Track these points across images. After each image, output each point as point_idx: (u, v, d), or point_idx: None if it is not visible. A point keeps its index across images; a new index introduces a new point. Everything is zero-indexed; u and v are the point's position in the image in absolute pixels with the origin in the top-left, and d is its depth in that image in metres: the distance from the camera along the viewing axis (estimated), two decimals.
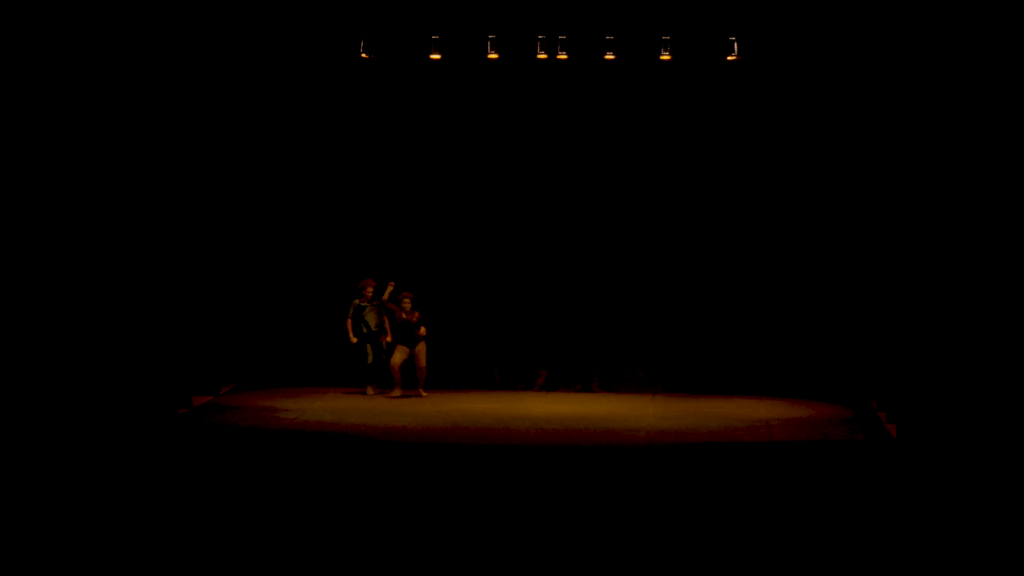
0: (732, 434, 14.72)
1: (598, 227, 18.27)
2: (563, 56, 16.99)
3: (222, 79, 16.90)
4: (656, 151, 18.15)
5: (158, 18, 15.29)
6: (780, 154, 17.89)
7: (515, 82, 17.98)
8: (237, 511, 10.57)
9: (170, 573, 8.93)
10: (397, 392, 17.24)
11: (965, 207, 14.07)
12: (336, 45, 17.17)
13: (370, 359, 17.50)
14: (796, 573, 9.11)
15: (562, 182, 18.29)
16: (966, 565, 9.24)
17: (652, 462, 13.18)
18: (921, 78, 14.73)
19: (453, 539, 9.75)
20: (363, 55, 17.18)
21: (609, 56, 16.87)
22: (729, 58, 16.89)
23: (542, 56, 16.92)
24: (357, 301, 17.48)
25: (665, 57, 16.87)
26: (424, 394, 17.29)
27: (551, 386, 18.19)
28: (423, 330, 17.21)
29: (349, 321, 17.47)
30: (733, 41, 16.78)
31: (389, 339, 17.44)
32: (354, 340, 17.46)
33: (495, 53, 16.91)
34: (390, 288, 17.53)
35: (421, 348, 17.31)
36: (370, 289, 17.50)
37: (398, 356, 17.28)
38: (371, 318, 17.47)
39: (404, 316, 17.23)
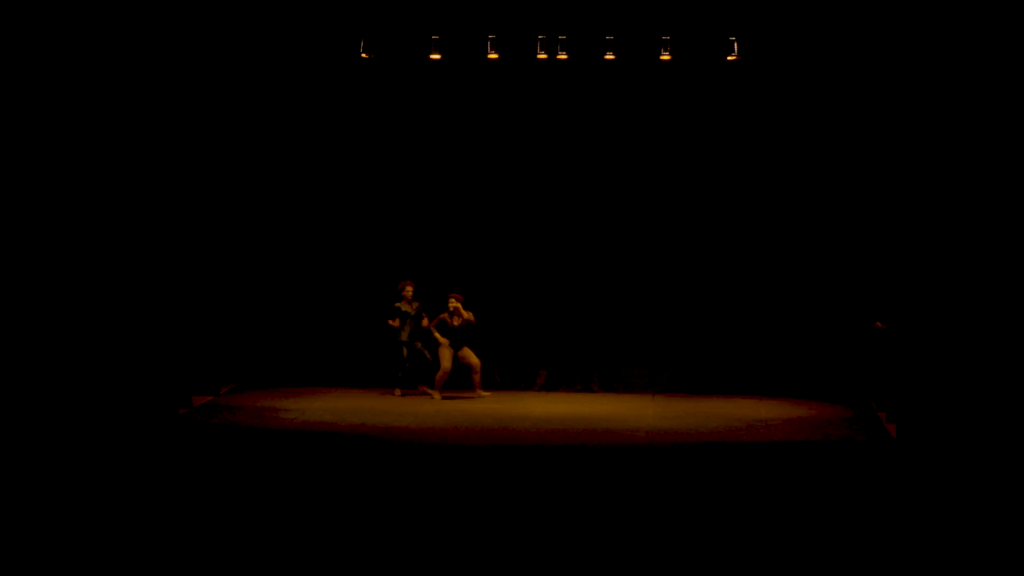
0: (732, 434, 14.72)
1: (598, 227, 18.28)
2: (563, 56, 16.99)
3: (222, 79, 16.91)
4: (656, 151, 18.16)
5: (158, 18, 15.29)
6: (780, 154, 17.90)
7: (515, 82, 17.99)
8: (237, 511, 10.57)
9: (170, 573, 8.93)
10: (438, 396, 17.22)
11: (965, 207, 14.07)
12: (336, 45, 17.18)
13: (406, 363, 17.43)
14: (796, 573, 9.11)
15: (562, 182, 18.30)
16: (966, 565, 9.24)
17: (652, 462, 13.18)
18: (921, 78, 14.73)
19: (453, 539, 9.75)
20: (363, 55, 17.18)
21: (609, 56, 16.88)
22: (729, 58, 16.90)
23: (542, 56, 16.93)
24: (398, 304, 17.40)
25: (665, 57, 16.87)
26: (484, 394, 17.29)
27: (551, 386, 18.20)
28: (458, 320, 17.09)
29: (395, 322, 17.37)
30: (733, 41, 16.78)
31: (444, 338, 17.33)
32: (394, 324, 17.36)
33: (495, 53, 16.92)
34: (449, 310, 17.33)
35: (467, 349, 17.26)
36: (409, 289, 17.40)
37: (447, 360, 17.23)
38: (410, 320, 17.41)
39: (453, 323, 17.17)
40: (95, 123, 14.84)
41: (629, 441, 14.31)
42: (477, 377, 17.43)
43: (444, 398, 17.18)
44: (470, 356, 17.37)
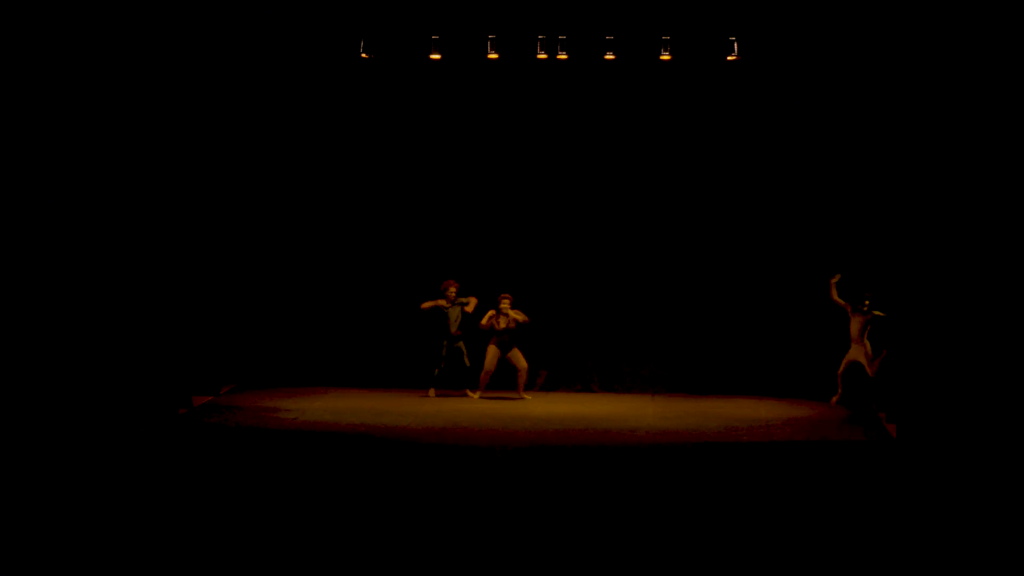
0: (732, 434, 14.72)
1: (598, 227, 18.28)
2: (563, 56, 17.00)
3: (222, 79, 16.90)
4: (656, 151, 18.16)
5: (158, 18, 15.29)
6: (780, 154, 17.90)
7: (515, 82, 17.99)
8: (237, 511, 10.56)
9: (170, 573, 8.93)
10: (476, 395, 17.19)
11: (964, 207, 14.07)
12: (336, 45, 17.18)
13: (442, 363, 17.36)
14: (796, 573, 9.11)
15: (562, 182, 18.30)
16: (966, 565, 9.24)
17: (652, 462, 13.18)
18: (921, 78, 14.73)
19: (453, 539, 9.75)
20: (363, 55, 17.18)
21: (609, 56, 16.87)
22: (729, 58, 16.90)
23: (542, 56, 16.93)
24: (440, 303, 17.38)
25: (665, 57, 16.87)
26: (527, 397, 17.22)
27: (551, 386, 18.20)
28: (506, 322, 17.05)
29: (431, 314, 17.32)
30: (733, 41, 16.78)
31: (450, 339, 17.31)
32: (456, 333, 17.30)
33: (495, 53, 16.91)
34: (489, 314, 17.24)
35: (516, 351, 17.19)
36: (452, 290, 17.35)
37: (492, 361, 17.20)
38: (453, 321, 17.36)
39: (501, 325, 17.12)
40: (95, 123, 14.84)
41: (629, 441, 14.31)
42: (521, 379, 17.33)
43: (482, 398, 17.15)
44: (518, 358, 17.30)
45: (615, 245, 18.23)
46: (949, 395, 13.85)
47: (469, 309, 17.32)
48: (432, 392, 17.37)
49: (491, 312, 17.19)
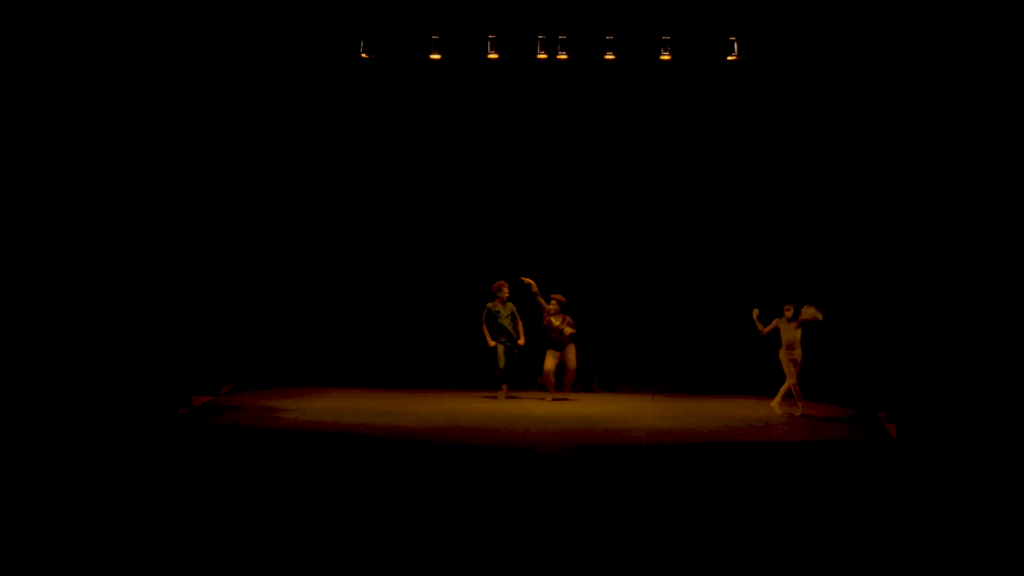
0: (732, 434, 14.72)
1: (598, 227, 18.28)
2: (563, 56, 17.00)
3: (223, 79, 16.90)
4: (656, 151, 18.16)
5: (158, 18, 15.29)
6: (780, 154, 17.90)
7: (515, 82, 17.99)
8: (237, 511, 10.57)
9: (170, 573, 8.93)
10: (550, 397, 17.15)
11: (964, 207, 14.07)
12: (336, 45, 17.18)
13: (501, 363, 17.31)
14: (796, 573, 9.11)
15: (562, 182, 18.30)
16: (966, 565, 9.24)
17: (652, 462, 13.18)
18: (921, 78, 14.74)
19: (453, 539, 9.75)
20: (363, 55, 17.18)
21: (609, 56, 16.88)
22: (729, 58, 16.90)
23: (542, 56, 16.93)
24: (490, 304, 17.35)
25: (665, 57, 16.88)
26: (570, 397, 17.13)
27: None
28: (567, 331, 17.01)
29: (484, 325, 17.31)
30: (733, 41, 16.79)
31: (522, 342, 17.25)
32: (492, 343, 17.24)
33: (495, 53, 16.92)
34: (549, 309, 17.17)
35: (571, 350, 17.15)
36: (505, 291, 17.33)
37: (549, 361, 17.14)
38: (505, 322, 17.30)
39: (555, 323, 17.06)
40: (95, 123, 14.84)
41: (629, 441, 14.31)
42: (569, 379, 17.26)
43: (554, 399, 17.14)
44: (570, 358, 17.25)
45: (615, 245, 18.23)
46: (949, 395, 13.85)
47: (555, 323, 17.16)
48: (504, 393, 17.30)
49: (548, 307, 17.13)
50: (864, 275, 17.08)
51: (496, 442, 14.07)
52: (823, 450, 13.79)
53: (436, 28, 16.90)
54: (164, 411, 15.36)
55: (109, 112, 14.96)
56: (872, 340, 16.81)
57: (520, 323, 17.33)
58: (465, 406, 16.67)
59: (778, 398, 16.25)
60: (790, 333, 16.09)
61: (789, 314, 16.04)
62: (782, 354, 16.17)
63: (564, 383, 17.31)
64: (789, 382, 16.12)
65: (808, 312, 16.01)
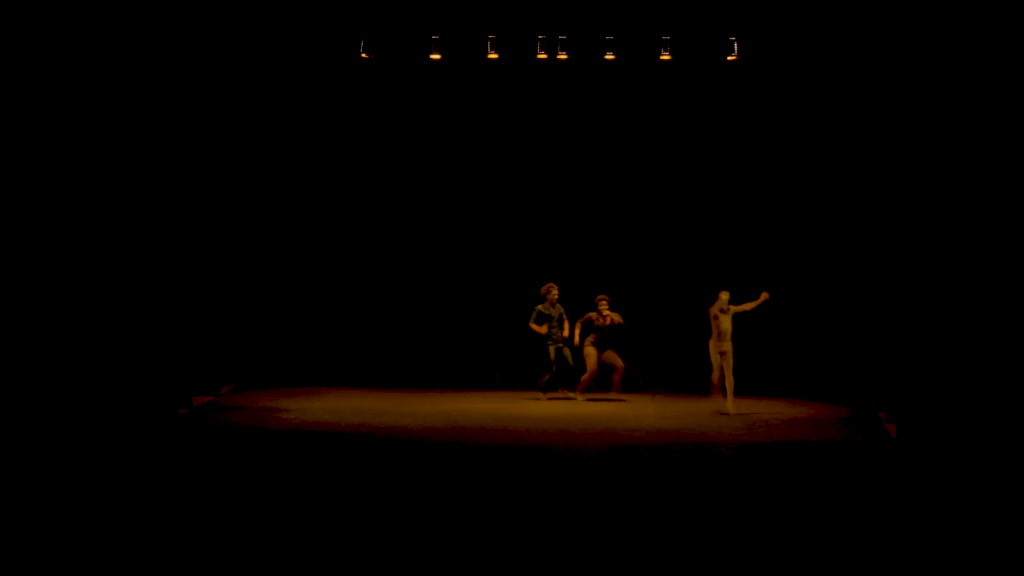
0: (732, 434, 14.72)
1: (598, 227, 18.28)
2: (563, 56, 17.00)
3: (223, 79, 16.90)
4: (656, 151, 18.17)
5: (158, 18, 15.29)
6: (780, 154, 17.91)
7: (515, 82, 17.99)
8: (237, 511, 10.56)
9: (170, 573, 8.93)
10: (582, 397, 17.11)
11: (964, 207, 14.07)
12: (336, 45, 17.18)
13: (554, 366, 17.32)
14: (796, 573, 9.11)
15: (562, 182, 18.31)
16: (966, 565, 9.24)
17: (652, 462, 13.18)
18: (921, 78, 14.74)
19: (453, 539, 9.75)
20: (363, 55, 17.18)
21: (609, 56, 16.88)
22: (729, 58, 16.90)
23: (542, 56, 16.94)
24: (540, 306, 17.32)
25: (665, 57, 16.88)
26: (623, 397, 17.09)
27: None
28: (608, 320, 16.97)
29: (533, 325, 17.26)
30: (733, 41, 16.79)
31: (577, 342, 17.22)
32: (540, 332, 17.22)
33: (495, 53, 16.92)
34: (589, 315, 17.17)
35: (611, 351, 17.11)
36: (555, 293, 17.29)
37: (593, 362, 17.13)
38: (555, 324, 17.26)
39: (602, 323, 17.05)
40: (95, 123, 14.84)
41: (629, 441, 14.31)
42: (617, 378, 17.26)
43: (587, 400, 17.12)
44: (615, 358, 17.23)
45: (615, 245, 18.23)
46: (949, 395, 13.85)
47: (601, 322, 17.10)
48: (546, 396, 17.30)
49: (591, 314, 17.12)
50: (864, 275, 17.08)
51: (496, 442, 14.06)
52: (823, 450, 13.79)
53: (436, 28, 16.90)
54: (164, 411, 15.36)
55: (109, 112, 14.96)
56: (872, 340, 16.80)
57: (568, 324, 17.31)
58: (465, 406, 16.66)
59: (730, 398, 16.27)
60: (725, 323, 16.16)
61: (725, 303, 16.11)
62: (712, 344, 16.22)
63: (614, 382, 17.24)
64: (716, 375, 16.33)
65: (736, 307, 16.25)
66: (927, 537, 9.93)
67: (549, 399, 17.23)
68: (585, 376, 17.19)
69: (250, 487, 11.54)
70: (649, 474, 12.62)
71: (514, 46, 16.95)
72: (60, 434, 13.66)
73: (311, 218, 18.35)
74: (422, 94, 18.15)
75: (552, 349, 17.30)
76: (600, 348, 17.17)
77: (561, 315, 17.32)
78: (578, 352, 17.28)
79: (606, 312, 17.06)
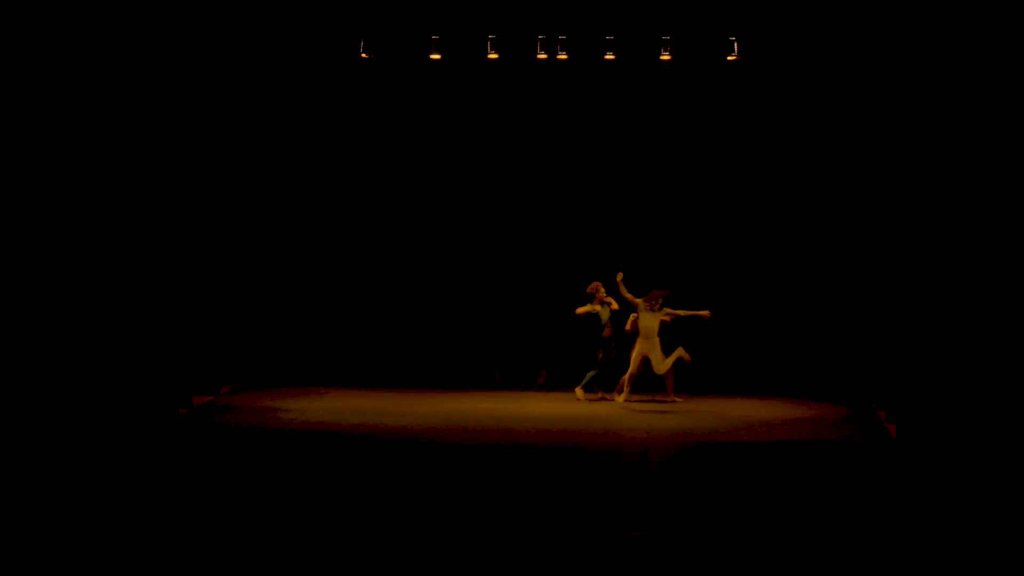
0: (732, 434, 14.72)
1: (598, 227, 18.28)
2: (563, 56, 17.00)
3: (222, 79, 16.90)
4: (656, 151, 18.16)
5: (158, 18, 15.29)
6: (780, 154, 17.91)
7: (515, 82, 18.00)
8: (237, 511, 10.56)
9: (170, 573, 8.93)
10: (621, 398, 17.01)
11: (964, 207, 14.07)
12: (336, 45, 17.18)
13: (604, 366, 17.26)
14: (796, 573, 9.11)
15: (562, 182, 18.31)
16: (966, 565, 9.24)
17: (652, 462, 13.18)
18: (921, 78, 14.73)
19: (453, 539, 9.75)
20: (363, 55, 17.18)
21: (609, 56, 16.88)
22: (729, 58, 16.90)
23: (542, 56, 16.94)
24: (590, 306, 17.31)
25: (665, 57, 16.88)
26: (677, 400, 16.95)
27: (551, 386, 18.19)
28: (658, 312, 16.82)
29: (583, 313, 17.19)
30: (733, 41, 16.79)
31: (613, 344, 17.21)
32: (608, 334, 17.18)
33: (495, 53, 16.92)
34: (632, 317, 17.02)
35: (660, 352, 17.00)
36: (602, 291, 17.21)
37: (636, 364, 17.00)
38: (606, 323, 17.19)
39: (663, 318, 16.95)
40: (95, 123, 14.83)
41: (629, 441, 14.31)
42: (670, 381, 17.03)
43: (627, 401, 17.04)
44: (660, 361, 17.13)
45: (615, 245, 18.23)
46: (949, 395, 13.84)
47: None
48: (599, 394, 17.25)
49: (633, 316, 17.04)
50: (864, 275, 17.07)
51: (496, 442, 14.06)
52: (823, 450, 13.79)
53: (436, 28, 16.90)
54: (164, 411, 15.36)
55: (109, 112, 14.95)
56: (872, 340, 16.80)
57: (612, 324, 17.28)
58: (465, 406, 16.66)
59: (625, 391, 16.57)
60: (650, 322, 16.26)
61: (654, 303, 16.15)
62: (639, 343, 16.46)
63: (668, 386, 17.04)
64: (630, 372, 16.51)
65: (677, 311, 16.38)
66: (927, 537, 9.93)
67: (589, 400, 17.19)
68: (626, 376, 17.11)
69: (250, 487, 11.54)
70: (649, 474, 12.62)
71: (514, 46, 16.95)
72: (60, 434, 13.66)
73: (311, 218, 18.34)
74: (422, 94, 18.15)
75: (602, 349, 17.25)
76: (645, 352, 17.05)
77: (612, 313, 17.17)
78: (625, 351, 17.21)
79: (655, 308, 16.97)
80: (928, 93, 14.60)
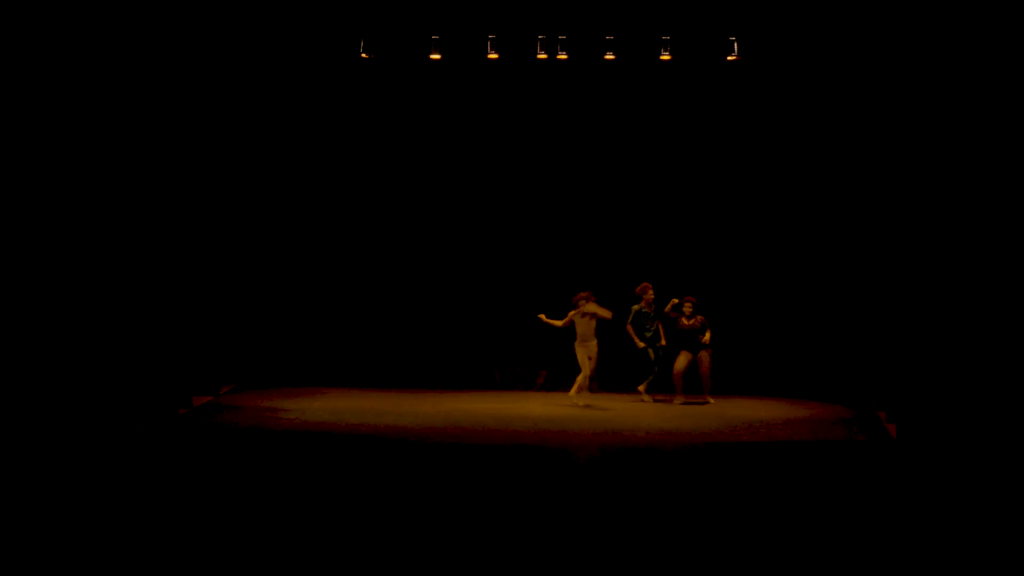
0: (732, 434, 14.72)
1: (598, 227, 18.30)
2: (563, 56, 17.01)
3: (223, 79, 16.91)
4: (656, 151, 18.18)
5: (158, 18, 15.29)
6: (780, 154, 17.92)
7: (515, 82, 18.01)
8: (237, 511, 10.57)
9: (170, 573, 8.93)
10: (679, 400, 17.06)
11: (964, 208, 14.08)
12: (336, 45, 17.18)
13: (655, 366, 17.30)
14: (796, 573, 9.11)
15: (562, 182, 18.32)
16: (966, 565, 9.24)
17: (652, 462, 13.18)
18: (921, 78, 14.74)
19: (453, 539, 9.75)
20: (363, 55, 17.19)
21: (609, 56, 16.89)
22: (729, 58, 16.91)
23: (542, 56, 16.94)
24: (637, 307, 17.29)
25: (665, 57, 16.89)
26: (711, 400, 17.03)
27: (551, 386, 18.20)
28: (707, 336, 16.94)
29: (630, 327, 17.25)
30: (733, 41, 16.80)
31: (664, 343, 17.25)
32: (640, 344, 17.21)
33: (495, 53, 16.93)
34: (673, 302, 17.13)
35: (704, 354, 17.05)
36: (651, 293, 17.25)
37: (681, 362, 17.07)
38: (652, 324, 17.26)
39: (686, 323, 17.01)
40: (95, 123, 14.84)
41: (629, 441, 14.31)
42: (706, 384, 17.13)
43: (687, 403, 17.08)
44: (704, 364, 17.10)
45: (615, 245, 18.25)
46: (949, 395, 13.85)
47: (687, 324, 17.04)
48: (648, 396, 17.26)
49: (674, 314, 17.08)
50: (864, 276, 17.08)
51: (496, 442, 14.07)
52: (823, 450, 13.79)
53: (436, 28, 16.91)
54: (164, 411, 15.37)
55: (109, 112, 14.96)
56: (872, 340, 16.81)
57: (660, 325, 17.28)
58: (465, 406, 16.67)
59: (574, 389, 16.69)
60: (584, 327, 16.42)
61: (584, 307, 16.38)
62: (577, 346, 16.55)
63: (704, 387, 17.15)
64: (584, 373, 16.56)
65: (593, 308, 16.48)
66: (927, 537, 9.93)
67: (656, 401, 17.18)
68: (675, 377, 17.09)
69: (250, 487, 11.54)
70: (649, 474, 12.62)
71: (514, 46, 16.96)
72: (61, 434, 13.67)
73: (311, 218, 18.35)
74: (422, 94, 18.16)
75: (652, 352, 17.25)
76: (693, 350, 17.06)
77: (655, 318, 17.24)
78: (669, 355, 17.22)
79: (687, 311, 17.01)
80: (929, 93, 14.60)
